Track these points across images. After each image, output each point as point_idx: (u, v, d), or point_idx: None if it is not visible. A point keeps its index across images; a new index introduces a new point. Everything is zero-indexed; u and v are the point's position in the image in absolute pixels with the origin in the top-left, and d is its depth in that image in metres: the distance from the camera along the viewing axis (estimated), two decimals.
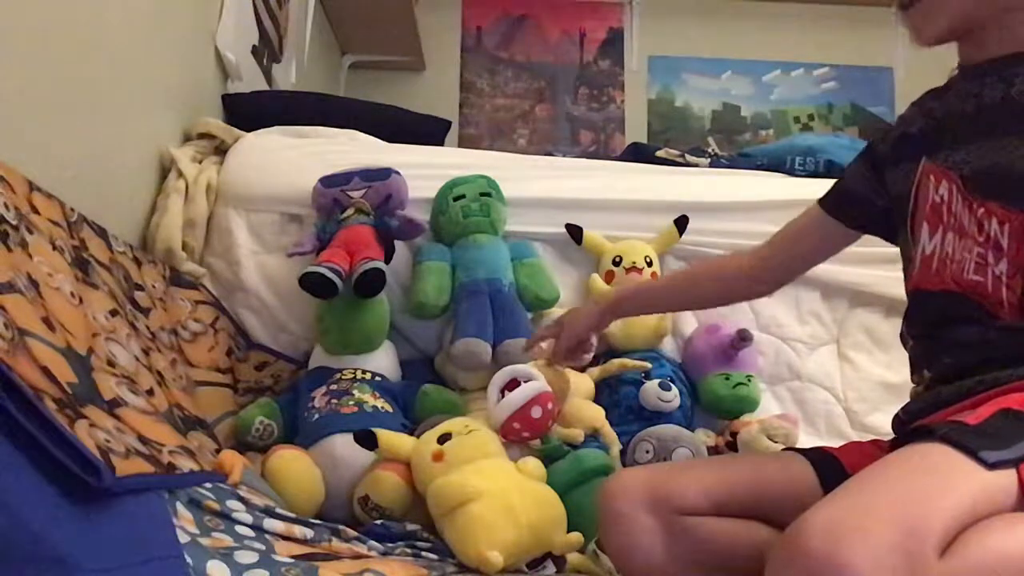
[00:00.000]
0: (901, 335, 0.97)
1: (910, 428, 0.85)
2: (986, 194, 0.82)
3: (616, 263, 1.70)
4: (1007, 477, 0.63)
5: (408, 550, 1.08)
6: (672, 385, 1.54)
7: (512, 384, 1.26)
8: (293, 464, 1.24)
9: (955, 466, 0.63)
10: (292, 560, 0.86)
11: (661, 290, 1.27)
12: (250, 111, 1.97)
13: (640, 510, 0.84)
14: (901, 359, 1.05)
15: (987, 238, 0.81)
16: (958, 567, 0.56)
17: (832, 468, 0.86)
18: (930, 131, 0.92)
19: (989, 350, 0.81)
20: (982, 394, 0.78)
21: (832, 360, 1.79)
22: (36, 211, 1.06)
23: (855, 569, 0.54)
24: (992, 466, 0.62)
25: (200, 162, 1.71)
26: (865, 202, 1.02)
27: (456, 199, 1.65)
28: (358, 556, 0.98)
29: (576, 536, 1.11)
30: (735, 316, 1.75)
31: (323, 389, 1.41)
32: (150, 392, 1.09)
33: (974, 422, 0.68)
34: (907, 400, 0.93)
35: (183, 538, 0.80)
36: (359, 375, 1.46)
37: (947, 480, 0.61)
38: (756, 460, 1.02)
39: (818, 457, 0.89)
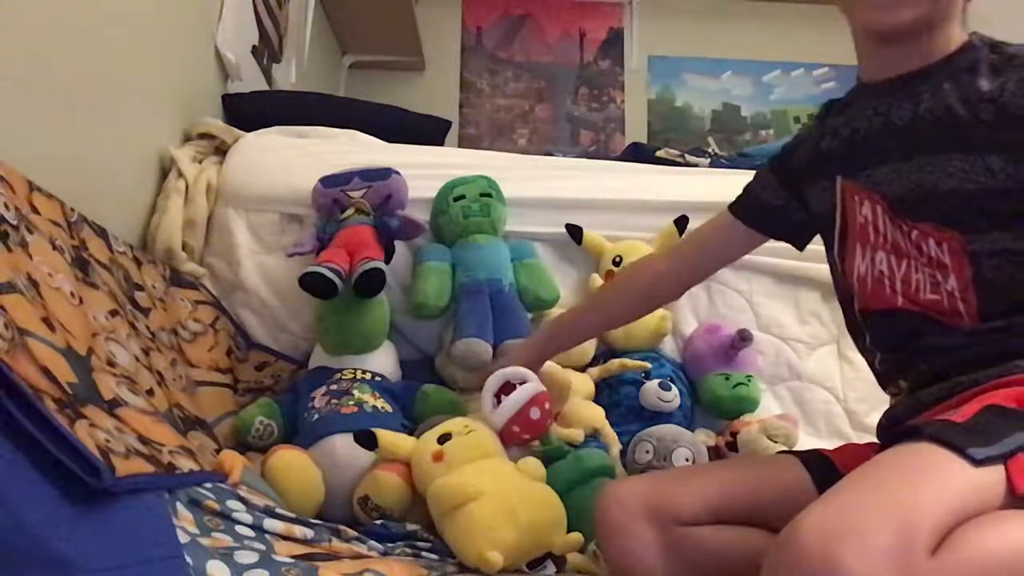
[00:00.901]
0: (861, 351, 0.97)
1: (898, 429, 0.85)
2: (916, 216, 0.83)
3: (616, 263, 1.70)
4: (995, 473, 0.63)
5: (408, 550, 1.08)
6: (672, 385, 1.54)
7: (507, 388, 1.25)
8: (293, 464, 1.24)
9: (944, 464, 0.63)
10: (292, 560, 0.86)
11: (578, 320, 1.30)
12: (250, 111, 1.97)
13: (638, 521, 0.84)
14: None
15: (929, 259, 0.82)
16: (949, 565, 0.56)
17: (827, 471, 0.87)
18: (840, 149, 0.93)
19: (960, 354, 0.82)
20: (964, 393, 0.78)
21: (832, 360, 1.79)
22: (36, 211, 1.06)
23: (849, 569, 0.54)
24: (980, 463, 0.62)
25: (200, 162, 1.71)
26: (780, 213, 1.06)
27: (456, 199, 1.65)
28: (358, 556, 0.98)
29: (576, 536, 1.11)
30: (735, 316, 1.75)
31: (323, 389, 1.41)
32: (150, 392, 1.09)
33: (961, 420, 0.69)
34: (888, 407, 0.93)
35: (183, 538, 0.80)
36: (359, 375, 1.46)
37: (937, 479, 0.62)
38: (753, 465, 1.02)
39: (813, 460, 0.89)
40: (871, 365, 0.95)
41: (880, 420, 0.93)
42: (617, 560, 0.86)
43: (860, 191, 0.89)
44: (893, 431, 0.87)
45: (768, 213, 1.08)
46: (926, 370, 0.85)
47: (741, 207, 1.11)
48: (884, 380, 0.94)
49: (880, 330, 0.92)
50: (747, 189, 1.12)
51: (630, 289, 1.20)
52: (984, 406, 0.71)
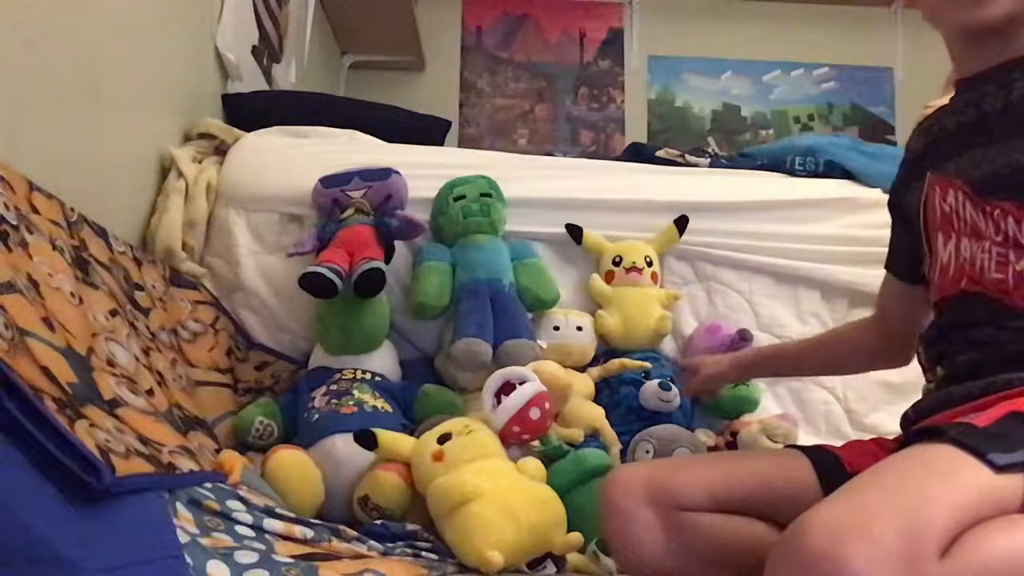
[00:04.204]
0: (917, 354, 0.96)
1: (917, 428, 0.85)
2: (999, 195, 0.83)
3: (616, 263, 1.70)
4: (1015, 480, 0.62)
5: (408, 550, 1.08)
6: (672, 385, 1.54)
7: (507, 388, 1.25)
8: (293, 464, 1.24)
9: (962, 468, 0.62)
10: (292, 560, 0.87)
11: (792, 353, 1.26)
12: (250, 111, 1.97)
13: (640, 505, 0.85)
14: None
15: (1005, 237, 0.82)
16: (958, 568, 0.56)
17: (832, 466, 0.87)
18: (931, 146, 0.94)
19: (1000, 350, 0.81)
20: (992, 395, 0.77)
21: None
22: (36, 211, 1.06)
23: (854, 569, 0.53)
24: (1000, 469, 0.62)
25: (200, 162, 1.71)
26: (912, 254, 1.00)
27: (456, 199, 1.65)
28: (358, 556, 0.98)
29: (576, 536, 1.11)
30: (735, 316, 1.75)
31: (323, 389, 1.41)
32: (150, 392, 1.09)
33: (983, 424, 0.68)
34: (913, 398, 0.93)
35: (183, 538, 0.80)
36: (359, 375, 1.46)
37: (952, 481, 0.61)
38: (756, 457, 1.02)
39: (818, 455, 0.89)
40: (920, 360, 0.95)
41: (906, 411, 0.92)
42: (619, 543, 0.87)
43: (943, 181, 0.90)
44: (915, 428, 0.86)
45: (905, 257, 1.03)
46: (964, 361, 0.85)
47: (888, 259, 1.08)
48: (925, 368, 0.94)
49: (939, 316, 0.92)
50: (890, 237, 1.08)
51: (851, 344, 1.16)
52: (1009, 412, 0.70)
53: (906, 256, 1.02)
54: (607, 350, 1.67)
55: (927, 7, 0.88)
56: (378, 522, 1.17)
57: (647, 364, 1.61)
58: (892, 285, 1.07)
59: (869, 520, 0.56)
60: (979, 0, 0.82)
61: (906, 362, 1.10)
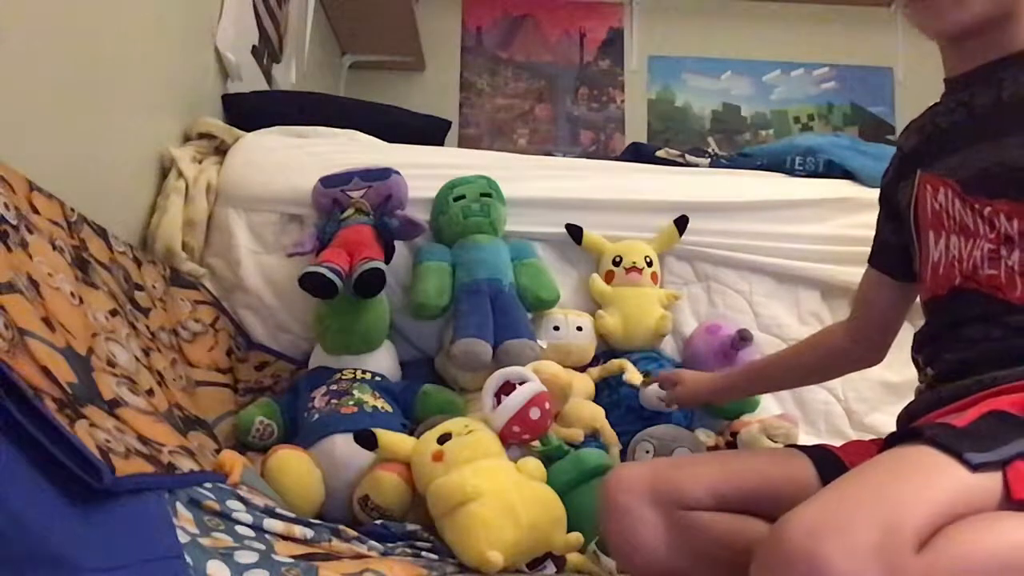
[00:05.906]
0: (913, 358, 0.96)
1: (899, 432, 0.85)
2: (991, 193, 0.83)
3: (616, 263, 1.70)
4: (991, 479, 0.63)
5: (408, 550, 1.08)
6: None
7: (507, 388, 1.25)
8: (293, 464, 1.24)
9: (938, 467, 0.63)
10: (292, 560, 0.87)
11: (762, 368, 1.26)
12: (250, 111, 1.97)
13: (642, 504, 0.85)
14: (901, 359, 1.05)
15: (998, 235, 0.83)
16: (935, 563, 0.56)
17: (833, 466, 0.87)
18: (922, 144, 0.95)
19: (991, 348, 0.82)
20: (977, 394, 0.78)
21: None
22: (36, 211, 1.06)
23: (832, 565, 0.54)
24: (976, 468, 0.63)
25: (200, 162, 1.71)
26: (901, 250, 1.00)
27: (456, 199, 1.65)
28: (358, 556, 0.98)
29: (576, 536, 1.11)
30: (735, 316, 1.75)
31: (323, 389, 1.41)
32: (150, 392, 1.09)
33: (961, 424, 0.69)
34: (909, 399, 0.94)
35: (183, 538, 0.80)
36: (359, 375, 1.46)
37: (929, 480, 0.62)
38: (758, 456, 1.02)
39: (820, 454, 0.89)
40: (916, 363, 0.95)
41: (900, 414, 0.93)
42: (620, 543, 0.87)
43: (934, 179, 0.90)
44: (899, 430, 0.87)
45: (890, 252, 1.03)
46: (953, 360, 0.86)
47: (874, 255, 1.07)
48: (919, 371, 0.94)
49: (931, 317, 0.92)
50: (875, 233, 1.08)
51: (818, 350, 1.16)
52: (987, 411, 0.71)
53: (893, 251, 1.02)
54: (607, 350, 1.67)
55: (909, 18, 0.89)
56: (378, 522, 1.17)
57: (642, 377, 1.60)
58: (875, 280, 1.07)
59: (847, 518, 0.57)
60: (950, 7, 0.84)
61: (878, 361, 1.11)
